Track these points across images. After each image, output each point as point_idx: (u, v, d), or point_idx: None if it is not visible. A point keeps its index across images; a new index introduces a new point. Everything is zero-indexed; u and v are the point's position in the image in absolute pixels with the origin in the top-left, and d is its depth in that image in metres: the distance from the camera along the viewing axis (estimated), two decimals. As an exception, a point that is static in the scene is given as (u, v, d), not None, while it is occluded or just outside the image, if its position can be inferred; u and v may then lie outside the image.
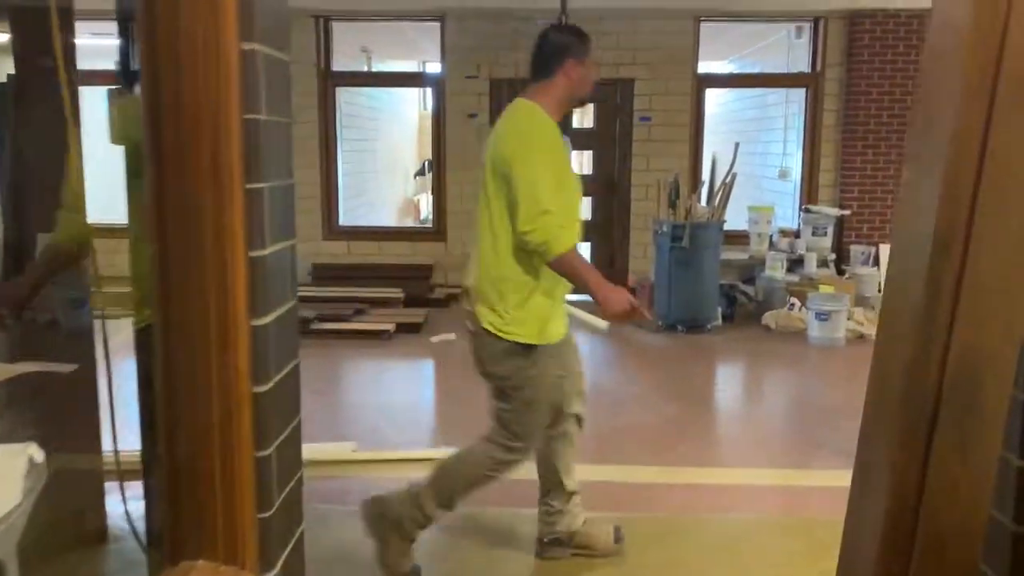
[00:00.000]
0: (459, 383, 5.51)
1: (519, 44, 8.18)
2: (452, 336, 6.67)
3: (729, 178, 6.95)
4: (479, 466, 2.82)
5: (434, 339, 6.59)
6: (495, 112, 8.24)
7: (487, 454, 2.81)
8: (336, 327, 6.72)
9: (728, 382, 6.11)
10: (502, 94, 8.24)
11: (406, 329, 6.80)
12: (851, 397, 5.18)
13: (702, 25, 8.20)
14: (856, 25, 7.98)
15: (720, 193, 6.93)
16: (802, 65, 8.68)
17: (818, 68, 8.26)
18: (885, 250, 8.06)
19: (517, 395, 2.76)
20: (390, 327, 6.68)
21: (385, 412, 4.89)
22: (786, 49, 9.49)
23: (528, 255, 2.65)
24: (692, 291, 6.84)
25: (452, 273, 8.46)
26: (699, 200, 7.22)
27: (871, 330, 6.90)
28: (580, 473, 3.89)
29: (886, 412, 1.70)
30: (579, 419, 3.09)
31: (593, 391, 5.33)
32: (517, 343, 2.71)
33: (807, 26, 8.47)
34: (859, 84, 8.02)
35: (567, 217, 2.69)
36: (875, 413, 1.76)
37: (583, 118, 8.98)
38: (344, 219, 8.77)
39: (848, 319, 6.78)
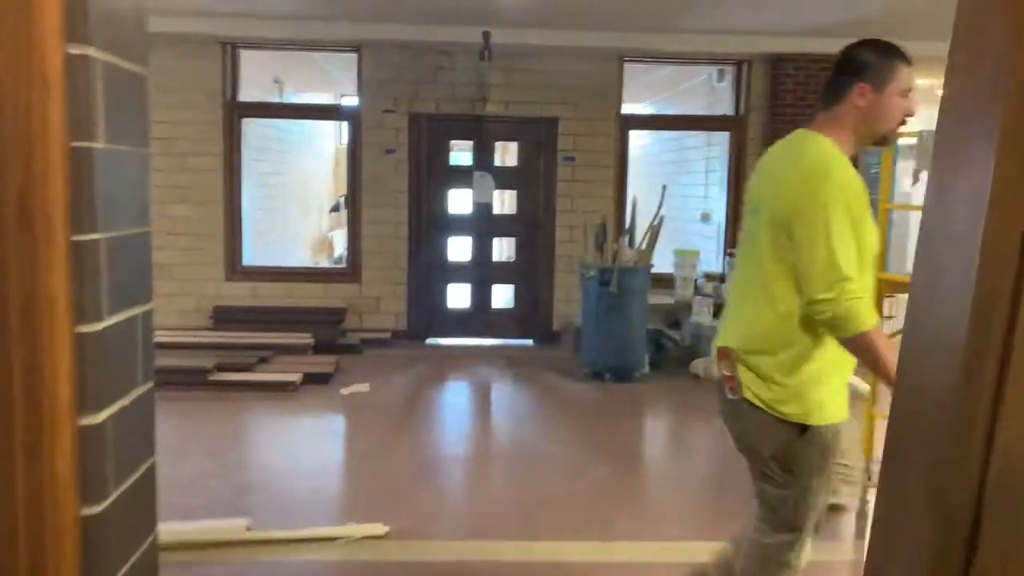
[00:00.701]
0: (372, 443, 5.05)
1: (440, 78, 7.87)
2: (365, 387, 6.21)
3: (657, 221, 6.73)
4: (766, 563, 2.39)
5: (345, 391, 6.11)
6: (414, 148, 7.89)
7: (764, 545, 2.40)
8: (236, 378, 6.17)
9: (661, 440, 5.81)
10: (421, 129, 7.90)
11: (314, 379, 6.29)
12: None
13: (625, 65, 8.05)
14: (778, 69, 7.95)
15: (647, 236, 6.70)
16: (722, 109, 8.62)
17: (741, 111, 8.19)
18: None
19: (787, 479, 2.33)
20: (296, 378, 6.17)
21: (286, 479, 4.39)
22: (706, 92, 9.45)
23: (813, 323, 2.20)
24: (620, 338, 6.55)
25: (367, 316, 8.00)
26: (627, 243, 6.98)
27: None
28: (501, 552, 3.50)
29: (907, 521, 1.37)
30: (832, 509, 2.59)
31: (519, 451, 5.02)
32: (791, 421, 2.27)
33: (729, 70, 8.42)
34: (782, 129, 7.92)
35: (866, 282, 2.20)
36: (891, 519, 1.43)
37: (506, 155, 8.71)
38: (250, 258, 8.23)
39: (777, 367, 6.60)
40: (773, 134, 8.02)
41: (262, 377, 6.24)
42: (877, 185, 9.46)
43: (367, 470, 4.57)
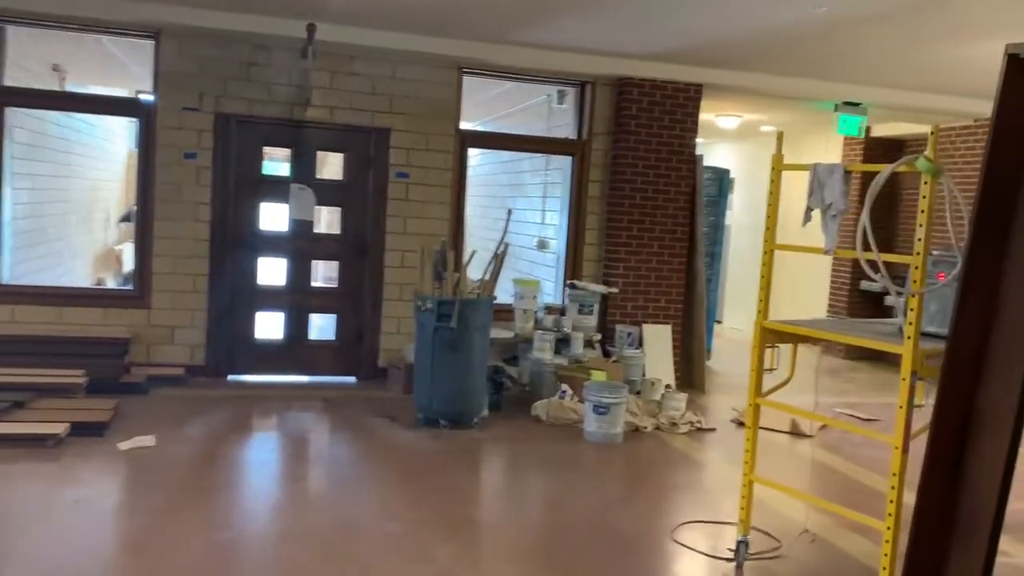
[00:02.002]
0: (152, 524, 3.99)
1: (254, 75, 6.85)
2: (149, 440, 5.08)
3: (501, 248, 6.07)
4: None
5: (124, 445, 4.96)
6: (220, 153, 6.81)
7: None
8: (-22, 430, 4.86)
9: (511, 503, 4.98)
10: (230, 132, 6.83)
11: (84, 430, 5.07)
12: (652, 517, 4.39)
13: (464, 79, 7.38)
14: (624, 93, 7.57)
15: (491, 265, 6.02)
16: (560, 132, 8.15)
17: (584, 135, 7.74)
18: (649, 331, 7.60)
19: None
20: (59, 429, 4.93)
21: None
22: (545, 115, 8.96)
23: None
24: (459, 379, 5.81)
25: (157, 349, 6.79)
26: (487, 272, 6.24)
27: (646, 422, 6.28)
28: None
29: None
30: None
31: (342, 529, 3.93)
32: None
33: (571, 92, 7.96)
34: (625, 155, 7.58)
35: None
36: None
37: (329, 167, 7.77)
38: (9, 275, 6.79)
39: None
40: (616, 161, 7.64)
41: (11, 428, 4.95)
42: (720, 210, 9.38)
43: (142, 570, 3.52)
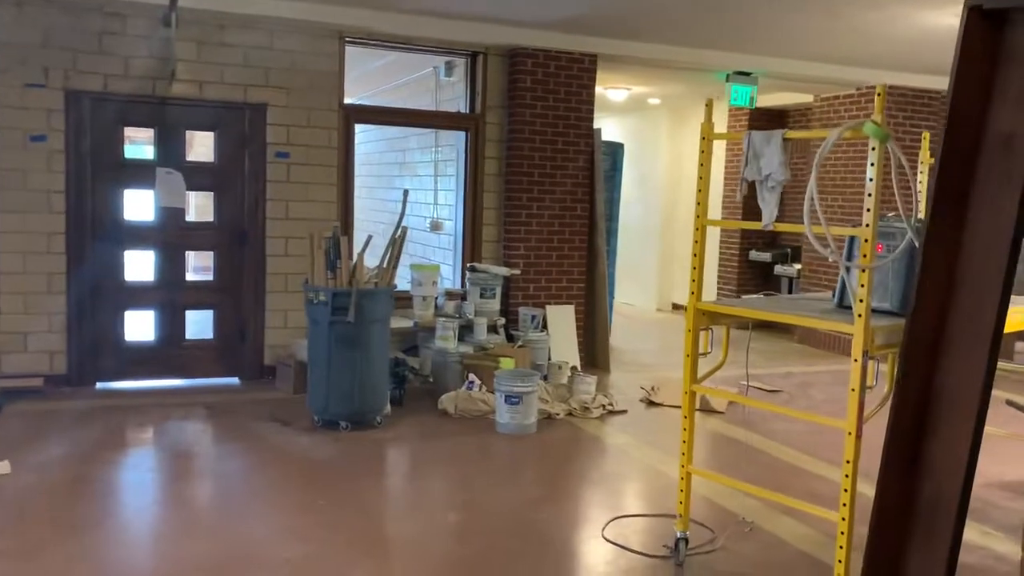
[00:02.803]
0: (16, 572, 3.38)
1: (109, 47, 6.10)
2: (3, 467, 4.40)
3: (399, 232, 5.61)
4: None
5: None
6: (73, 135, 6.04)
7: None
8: None
9: (427, 511, 4.54)
10: (83, 111, 6.07)
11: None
12: (579, 514, 3.94)
13: (347, 49, 6.83)
14: (517, 64, 7.21)
15: (389, 251, 5.56)
16: (450, 106, 7.74)
17: (478, 109, 7.34)
18: (553, 312, 7.33)
19: None
20: None
21: None
22: (433, 88, 8.51)
23: None
24: (359, 376, 5.34)
25: (9, 357, 6.01)
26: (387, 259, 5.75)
27: (558, 408, 6.00)
28: None
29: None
30: None
31: (230, 559, 3.73)
32: None
33: (461, 63, 7.54)
34: (522, 130, 7.24)
35: None
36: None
37: (200, 148, 7.08)
38: None
39: (536, 399, 5.78)
40: (512, 136, 7.28)
41: None
42: (615, 184, 9.16)
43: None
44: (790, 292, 10.14)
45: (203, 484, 4.70)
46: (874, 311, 3.31)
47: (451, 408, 5.87)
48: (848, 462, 3.08)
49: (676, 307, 11.70)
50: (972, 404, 2.69)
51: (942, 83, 8.62)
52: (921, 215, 3.12)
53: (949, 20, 6.14)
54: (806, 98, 9.78)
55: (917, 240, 3.07)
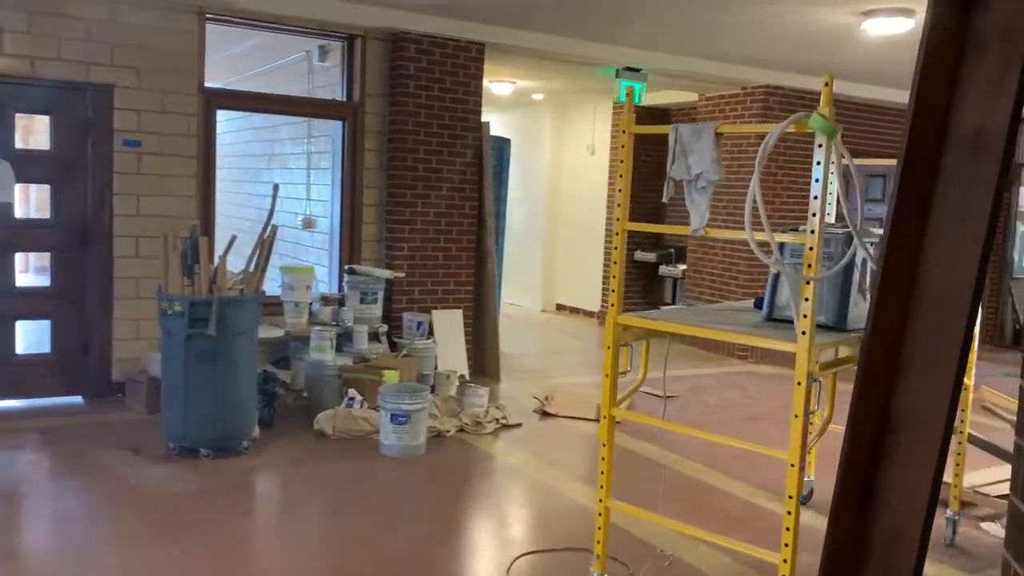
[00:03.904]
0: None
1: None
2: None
3: (268, 232, 4.98)
4: None
5: None
6: None
7: None
8: None
9: (307, 556, 3.97)
10: None
11: None
12: (482, 551, 4.00)
13: (208, 27, 6.10)
14: (399, 50, 6.66)
15: (257, 253, 4.92)
16: (325, 94, 7.11)
17: (356, 98, 6.74)
18: (440, 318, 6.83)
19: None
20: None
21: None
22: (305, 74, 7.84)
23: None
24: (223, 397, 4.68)
25: None
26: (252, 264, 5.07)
27: (448, 424, 5.52)
28: None
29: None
30: None
31: None
32: None
33: (337, 47, 6.93)
34: (405, 121, 6.70)
35: None
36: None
37: (33, 135, 6.17)
38: None
39: (425, 415, 5.28)
40: (395, 127, 6.74)
41: None
42: (502, 182, 8.74)
43: None
44: (674, 293, 10.03)
45: (35, 529, 3.95)
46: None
47: (329, 428, 5.28)
48: (791, 497, 2.74)
49: (560, 308, 11.43)
50: (935, 429, 2.40)
51: (818, 84, 8.65)
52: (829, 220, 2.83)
53: (841, 18, 6.05)
54: (691, 97, 9.67)
55: (864, 248, 2.77)
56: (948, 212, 2.37)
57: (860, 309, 3.16)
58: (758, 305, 3.58)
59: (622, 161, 3.09)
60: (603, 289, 10.63)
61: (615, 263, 3.12)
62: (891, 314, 2.46)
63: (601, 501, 3.21)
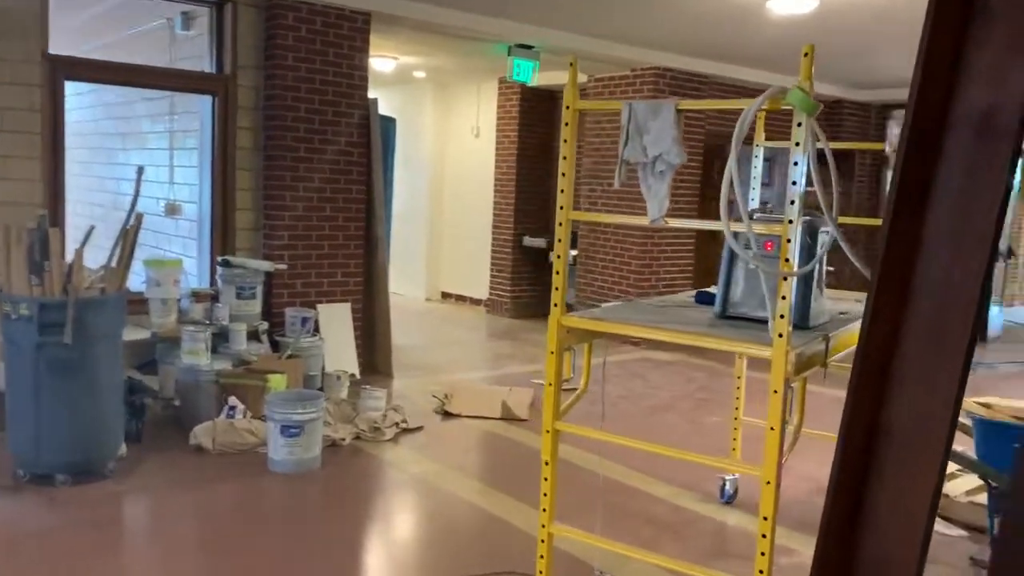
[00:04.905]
0: None
1: None
2: None
3: (133, 221, 4.31)
4: None
5: None
6: None
7: None
8: None
9: None
10: None
11: None
12: None
13: (51, -16, 5.29)
14: (276, 18, 6.03)
15: (119, 246, 4.24)
16: (192, 64, 6.39)
17: (227, 70, 6.06)
18: (327, 312, 6.28)
19: None
20: None
21: None
22: (168, 43, 7.06)
23: None
24: (82, 413, 4.01)
25: None
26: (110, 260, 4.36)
27: (344, 431, 5.02)
28: None
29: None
30: None
31: None
32: None
33: (204, 14, 6.22)
34: (283, 96, 6.08)
35: None
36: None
37: None
38: None
39: (319, 423, 4.75)
40: (272, 104, 6.11)
41: None
42: (388, 164, 8.18)
43: None
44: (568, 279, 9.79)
45: None
46: (751, 320, 2.74)
47: (208, 442, 4.68)
48: (766, 519, 2.45)
49: (446, 296, 11.00)
50: (933, 446, 2.15)
51: (716, 68, 8.58)
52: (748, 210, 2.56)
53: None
54: (580, 78, 9.41)
55: (842, 239, 2.51)
56: (951, 205, 2.12)
57: (820, 305, 2.93)
58: (701, 300, 3.30)
59: (565, 140, 2.70)
60: (492, 276, 10.28)
61: (558, 257, 2.74)
62: (888, 317, 2.19)
63: (544, 526, 2.84)
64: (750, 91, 8.90)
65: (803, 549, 3.58)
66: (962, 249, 2.10)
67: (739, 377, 4.32)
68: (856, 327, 2.99)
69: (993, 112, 2.05)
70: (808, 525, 3.72)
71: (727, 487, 4.29)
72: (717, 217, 2.40)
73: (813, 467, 4.49)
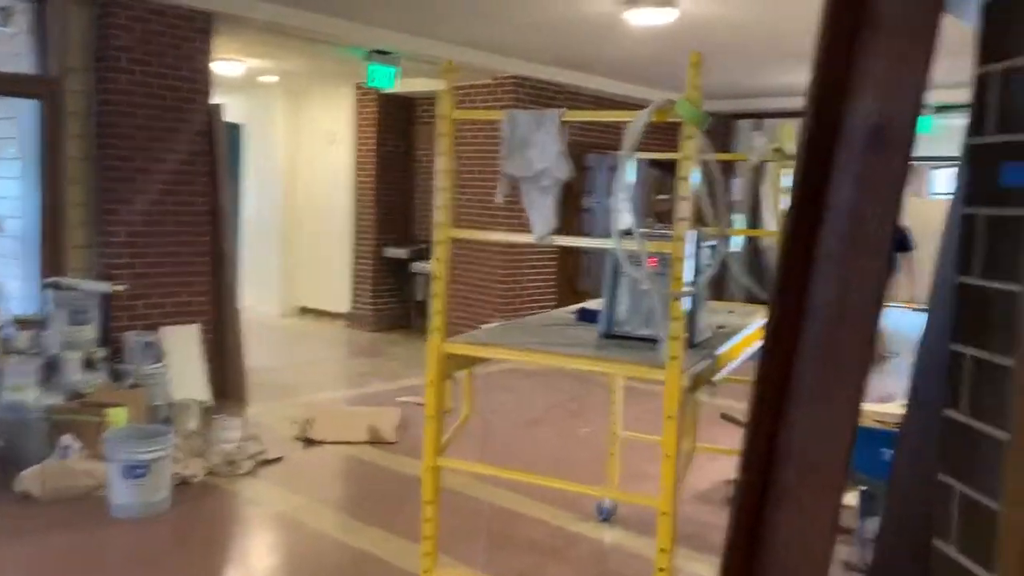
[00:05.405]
0: None
1: None
2: None
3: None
4: None
5: None
6: None
7: None
8: None
9: None
10: None
11: None
12: None
13: None
14: (108, 16, 5.51)
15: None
16: (12, 65, 5.74)
17: (54, 72, 5.48)
18: (173, 335, 5.80)
19: None
20: None
21: None
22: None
23: None
24: None
25: None
26: None
27: (195, 467, 4.61)
28: None
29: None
30: None
31: None
32: None
33: (23, 8, 5.60)
34: (118, 102, 5.57)
35: None
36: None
37: None
38: None
39: (167, 461, 4.31)
40: (105, 110, 5.58)
41: None
42: (235, 174, 7.64)
43: None
44: (427, 290, 9.55)
45: None
46: (637, 339, 2.65)
47: (37, 488, 4.15)
48: (663, 550, 2.33)
49: (304, 311, 10.52)
50: (834, 465, 2.09)
51: (576, 78, 8.60)
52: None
53: (602, 7, 5.86)
54: (437, 85, 9.22)
55: (732, 255, 2.43)
56: (845, 220, 2.07)
57: (702, 321, 2.86)
58: (583, 317, 3.17)
59: (443, 153, 2.49)
60: (353, 288, 9.91)
61: (438, 279, 2.52)
62: (785, 336, 2.12)
63: (427, 572, 2.61)
64: (608, 103, 9.00)
65: (684, 564, 3.52)
66: (858, 264, 2.05)
67: (613, 392, 4.24)
68: (737, 341, 2.95)
69: (886, 125, 2.01)
70: (686, 538, 3.67)
71: (605, 503, 4.20)
72: (581, 231, 2.27)
73: (693, 479, 4.48)
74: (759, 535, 2.21)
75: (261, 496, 4.47)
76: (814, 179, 2.05)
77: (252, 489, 4.55)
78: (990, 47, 1.88)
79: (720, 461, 4.77)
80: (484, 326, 3.08)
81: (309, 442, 5.38)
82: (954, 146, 2.39)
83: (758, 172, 4.06)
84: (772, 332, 2.09)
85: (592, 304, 3.25)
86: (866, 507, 3.61)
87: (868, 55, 2.02)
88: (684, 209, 2.23)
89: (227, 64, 8.31)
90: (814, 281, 2.11)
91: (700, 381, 2.62)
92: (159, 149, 5.76)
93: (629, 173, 2.22)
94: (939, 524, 1.93)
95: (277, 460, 4.99)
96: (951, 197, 2.16)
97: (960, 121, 3.02)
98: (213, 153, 6.11)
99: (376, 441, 5.41)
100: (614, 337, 2.76)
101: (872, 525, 3.52)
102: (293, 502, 4.38)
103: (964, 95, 2.16)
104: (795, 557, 2.18)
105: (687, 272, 2.25)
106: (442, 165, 2.49)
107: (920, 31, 1.94)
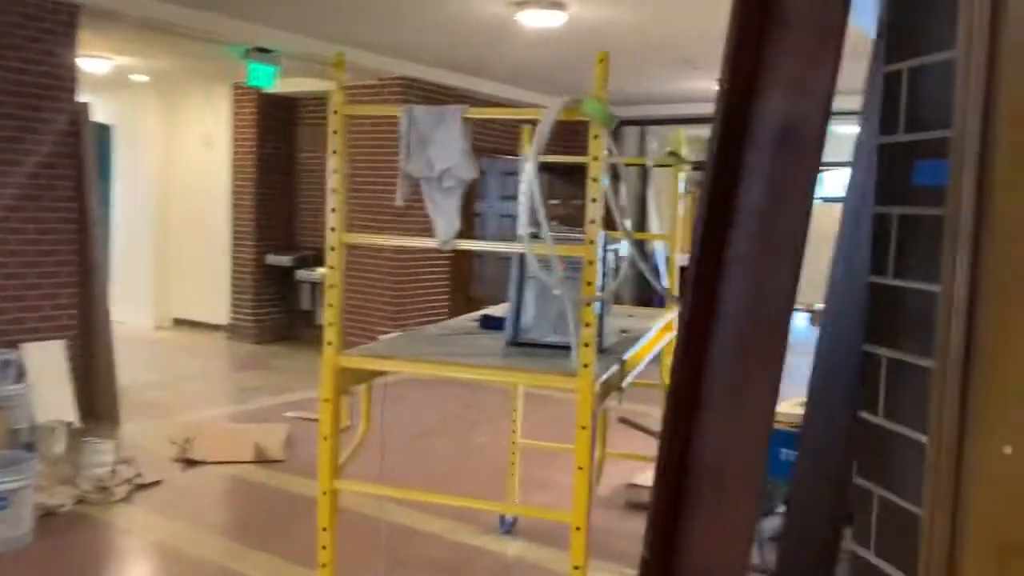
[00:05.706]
0: None
1: None
2: None
3: None
4: None
5: None
6: None
7: None
8: None
9: None
10: None
11: None
12: None
13: None
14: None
15: None
16: None
17: None
18: (35, 352, 5.34)
19: None
20: None
21: None
22: None
23: None
24: None
25: None
26: None
27: (61, 496, 4.23)
28: None
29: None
30: None
31: None
32: None
33: None
34: (-32, 98, 5.09)
35: None
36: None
37: None
38: None
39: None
40: (-47, 105, 5.08)
41: None
42: (104, 178, 7.15)
43: None
44: (313, 299, 9.24)
45: None
46: (544, 346, 2.56)
47: None
48: (577, 568, 2.24)
49: (179, 323, 9.98)
50: (748, 471, 2.05)
51: (465, 81, 8.48)
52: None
53: (493, 8, 5.78)
54: (322, 86, 8.93)
55: (639, 257, 2.37)
56: (756, 221, 2.03)
57: (608, 325, 2.79)
58: (487, 325, 3.06)
59: (335, 151, 2.32)
60: (233, 298, 9.47)
61: (332, 287, 2.35)
62: (697, 344, 2.06)
63: (323, 600, 2.44)
64: (500, 106, 8.94)
65: (590, 574, 3.45)
66: (769, 267, 2.02)
67: (515, 399, 4.14)
68: (643, 345, 2.89)
69: (796, 125, 1.98)
70: (588, 545, 3.60)
71: (507, 516, 4.09)
72: (473, 236, 2.17)
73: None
74: (674, 543, 2.14)
75: (137, 524, 4.14)
76: (724, 180, 2.00)
77: (127, 517, 4.21)
78: (896, 46, 1.88)
79: (621, 465, 4.74)
80: (382, 337, 2.92)
81: (189, 463, 5.05)
82: (842, 151, 2.41)
83: (644, 177, 4.05)
84: (684, 336, 2.03)
85: (495, 311, 3.14)
86: (767, 505, 3.64)
87: (777, 53, 1.99)
88: (595, 211, 2.15)
89: (93, 61, 7.80)
90: (726, 283, 2.07)
91: (610, 388, 2.55)
92: (17, 150, 5.29)
93: (535, 174, 2.12)
94: (857, 528, 1.91)
95: (155, 484, 4.65)
96: (843, 200, 2.16)
97: (845, 128, 3.06)
98: (79, 155, 5.68)
99: (262, 459, 5.13)
100: (521, 345, 2.66)
101: (770, 524, 3.54)
102: (172, 529, 4.07)
103: (849, 102, 2.18)
104: (712, 563, 2.13)
105: (598, 278, 2.17)
106: (334, 165, 2.32)
107: (828, 30, 1.92)
